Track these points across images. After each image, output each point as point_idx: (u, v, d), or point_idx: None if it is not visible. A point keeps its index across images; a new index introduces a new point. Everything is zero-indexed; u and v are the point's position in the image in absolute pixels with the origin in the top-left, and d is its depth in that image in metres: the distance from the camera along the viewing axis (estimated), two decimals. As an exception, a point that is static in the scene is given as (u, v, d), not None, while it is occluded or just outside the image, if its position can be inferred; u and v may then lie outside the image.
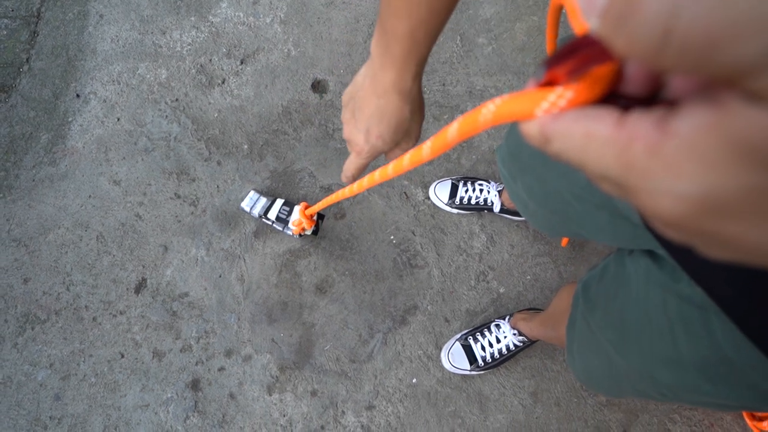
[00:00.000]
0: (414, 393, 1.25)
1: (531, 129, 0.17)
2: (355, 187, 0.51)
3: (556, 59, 0.16)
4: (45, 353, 1.31)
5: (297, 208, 1.23)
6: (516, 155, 0.70)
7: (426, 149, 0.29)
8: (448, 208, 1.31)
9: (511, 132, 0.72)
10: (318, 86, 1.42)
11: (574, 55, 0.16)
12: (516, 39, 1.41)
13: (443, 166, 1.36)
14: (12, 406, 1.28)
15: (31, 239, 1.36)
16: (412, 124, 0.51)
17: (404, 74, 0.47)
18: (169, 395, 1.28)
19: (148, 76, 1.44)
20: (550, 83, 0.17)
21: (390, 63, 0.46)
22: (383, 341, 1.28)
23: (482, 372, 1.23)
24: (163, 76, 1.44)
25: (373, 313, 1.30)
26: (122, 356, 1.30)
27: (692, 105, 0.13)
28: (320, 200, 1.10)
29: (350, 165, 0.56)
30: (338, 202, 1.35)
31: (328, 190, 1.36)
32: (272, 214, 1.26)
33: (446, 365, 1.23)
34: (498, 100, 0.19)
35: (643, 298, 0.53)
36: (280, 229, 1.29)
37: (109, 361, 1.30)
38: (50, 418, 1.27)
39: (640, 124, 0.14)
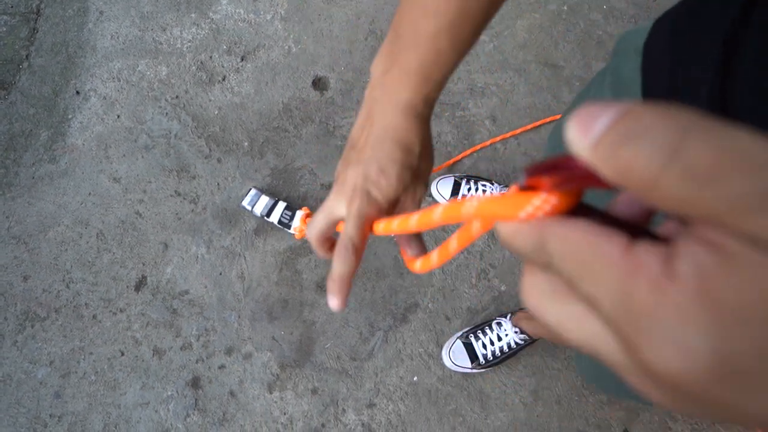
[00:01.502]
0: (415, 391, 1.25)
1: (518, 231, 0.16)
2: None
3: (539, 169, 0.17)
4: (45, 351, 1.30)
5: (299, 215, 1.23)
6: (560, 147, 0.68)
7: (413, 221, 0.29)
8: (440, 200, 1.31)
9: (560, 123, 0.70)
10: (319, 83, 1.42)
11: (559, 170, 0.16)
12: (517, 36, 1.41)
13: (444, 163, 1.35)
14: (12, 404, 1.28)
15: (30, 237, 1.36)
16: (422, 164, 0.38)
17: (416, 93, 0.36)
18: (169, 393, 1.27)
19: (149, 73, 1.44)
20: (531, 188, 0.17)
21: (399, 78, 0.36)
22: (384, 339, 1.28)
23: (483, 370, 1.22)
24: (164, 73, 1.44)
25: (373, 311, 1.29)
26: (122, 354, 1.30)
27: (688, 245, 0.12)
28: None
29: (322, 225, 0.39)
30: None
31: (329, 188, 1.35)
32: (274, 218, 1.27)
33: (447, 363, 1.23)
34: (480, 198, 0.19)
35: None
36: (285, 230, 1.29)
37: (109, 359, 1.30)
38: (50, 416, 1.27)
39: (648, 256, 0.12)
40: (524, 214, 0.17)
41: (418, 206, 0.38)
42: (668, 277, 0.11)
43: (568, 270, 0.14)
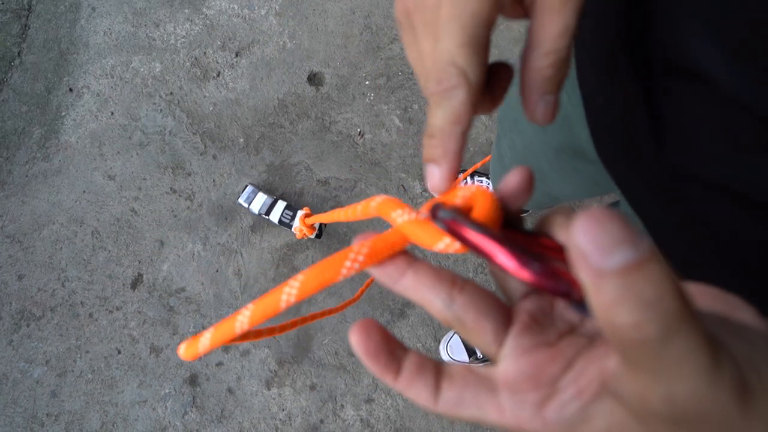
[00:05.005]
0: (413, 386, 1.25)
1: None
2: (359, 213, 0.29)
3: (453, 226, 0.19)
4: (41, 350, 1.30)
5: (299, 215, 1.23)
6: (507, 111, 0.70)
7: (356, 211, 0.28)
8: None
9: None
10: (314, 79, 1.41)
11: (475, 229, 0.18)
12: (512, 30, 1.40)
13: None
14: (8, 404, 1.27)
15: (25, 235, 1.35)
16: None
17: None
18: (167, 391, 1.27)
19: (142, 69, 1.43)
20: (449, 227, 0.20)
21: None
22: (382, 334, 1.28)
23: (481, 364, 1.23)
24: (157, 70, 1.42)
25: (371, 307, 1.29)
26: (119, 352, 1.29)
27: (571, 402, 0.16)
28: (322, 213, 1.10)
29: (433, 121, 0.23)
30: (335, 197, 1.34)
31: (325, 184, 1.35)
32: (274, 217, 1.26)
33: (445, 357, 1.23)
34: (409, 216, 0.21)
35: None
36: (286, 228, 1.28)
37: (105, 358, 1.29)
38: (47, 415, 1.26)
39: (522, 413, 0.17)
40: (437, 248, 0.20)
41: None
42: (543, 424, 0.17)
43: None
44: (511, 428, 0.18)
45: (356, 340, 0.20)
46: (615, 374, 0.15)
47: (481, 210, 0.19)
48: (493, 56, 0.23)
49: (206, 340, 0.23)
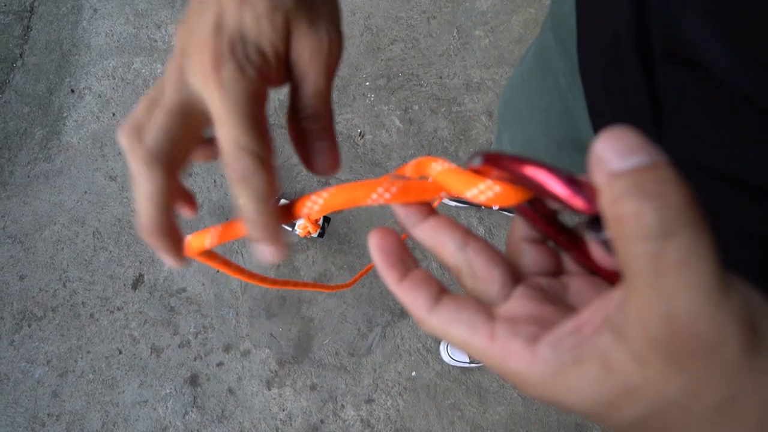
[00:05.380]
0: (413, 386, 1.25)
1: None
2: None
3: (494, 158, 0.18)
4: (42, 350, 1.30)
5: None
6: (508, 104, 0.70)
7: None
8: (446, 201, 1.31)
9: (509, 84, 0.72)
10: (314, 80, 1.41)
11: (512, 166, 0.17)
12: (513, 31, 1.41)
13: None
14: (9, 404, 1.28)
15: (26, 236, 1.36)
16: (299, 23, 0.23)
17: None
18: (167, 391, 1.27)
19: (144, 70, 1.43)
20: (480, 172, 0.19)
21: None
22: (382, 335, 1.28)
23: (481, 364, 1.23)
24: (159, 71, 1.43)
25: (371, 307, 1.29)
26: (120, 352, 1.30)
27: (560, 338, 0.16)
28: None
29: (244, 205, 0.23)
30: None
31: (326, 184, 1.36)
32: None
33: (445, 358, 1.23)
34: (444, 165, 0.21)
35: None
36: (288, 229, 1.28)
37: (106, 358, 1.29)
38: (48, 415, 1.27)
39: (513, 343, 0.16)
40: (470, 194, 0.19)
41: (329, 57, 0.24)
42: (532, 357, 0.16)
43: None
44: (495, 360, 0.17)
45: (374, 238, 0.20)
46: (617, 302, 0.15)
47: None
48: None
49: (216, 231, 0.23)
